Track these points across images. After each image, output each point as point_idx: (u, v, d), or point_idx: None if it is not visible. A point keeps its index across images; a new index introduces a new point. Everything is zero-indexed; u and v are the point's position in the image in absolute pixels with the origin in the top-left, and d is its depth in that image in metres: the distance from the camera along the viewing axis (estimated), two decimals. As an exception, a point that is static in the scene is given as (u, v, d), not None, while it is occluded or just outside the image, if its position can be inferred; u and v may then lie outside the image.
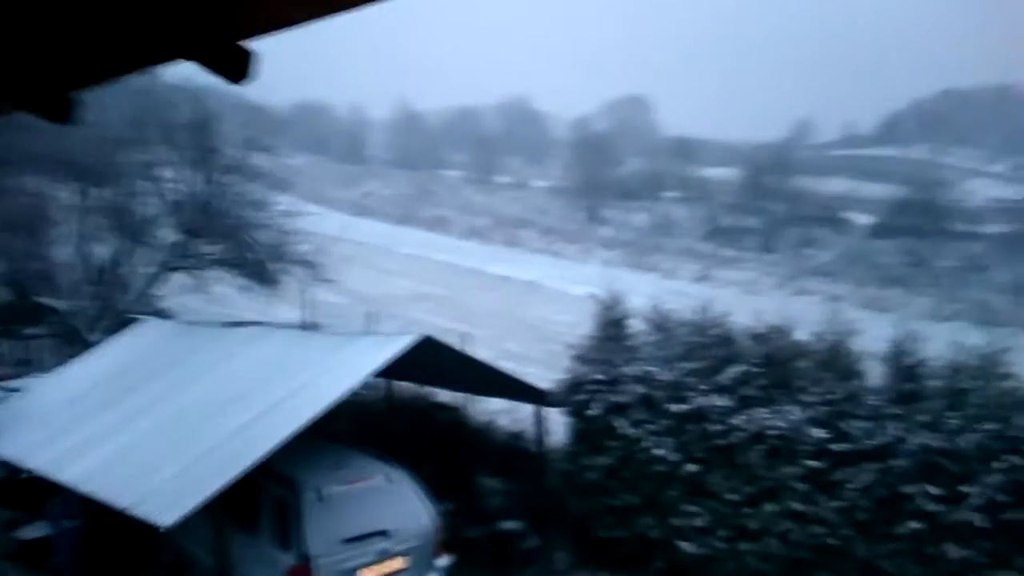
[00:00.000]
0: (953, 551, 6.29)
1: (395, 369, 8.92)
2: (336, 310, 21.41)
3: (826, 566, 6.91)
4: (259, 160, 16.64)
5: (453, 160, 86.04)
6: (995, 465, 6.25)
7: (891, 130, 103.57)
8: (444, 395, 11.60)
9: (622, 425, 8.30)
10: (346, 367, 7.61)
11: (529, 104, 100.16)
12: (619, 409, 8.39)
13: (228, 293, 17.42)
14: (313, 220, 17.47)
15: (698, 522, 7.68)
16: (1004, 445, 6.29)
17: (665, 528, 7.84)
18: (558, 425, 9.57)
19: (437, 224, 51.03)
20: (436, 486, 7.79)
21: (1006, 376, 6.67)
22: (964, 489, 6.33)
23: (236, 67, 2.10)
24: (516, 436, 10.67)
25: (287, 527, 6.69)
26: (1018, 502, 6.12)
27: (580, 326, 9.97)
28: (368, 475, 7.20)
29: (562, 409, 9.04)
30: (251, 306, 17.70)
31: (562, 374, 9.06)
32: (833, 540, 6.79)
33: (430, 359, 8.72)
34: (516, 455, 10.34)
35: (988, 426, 6.38)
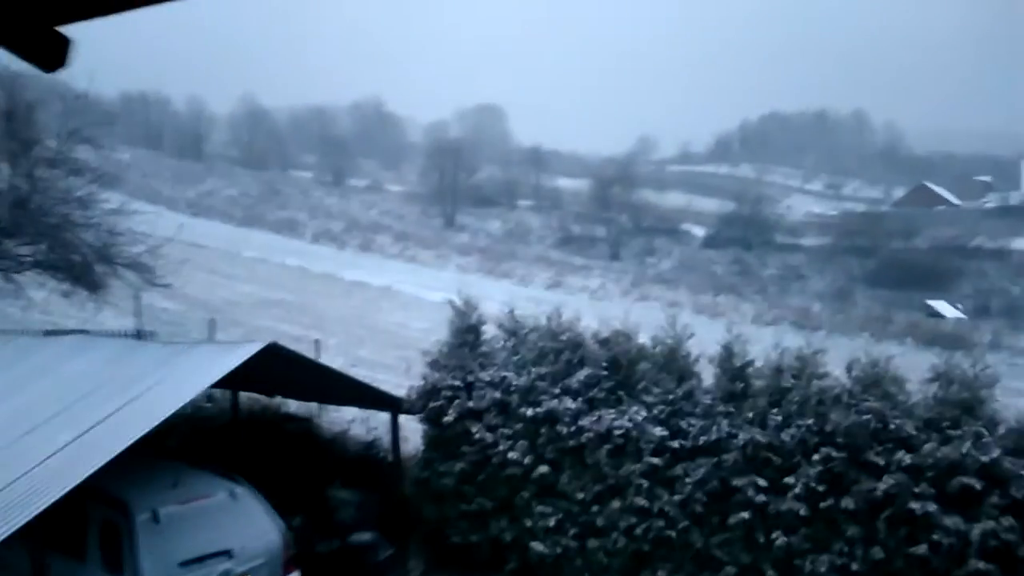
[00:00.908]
0: (779, 538, 6.84)
1: (239, 379, 8.48)
2: (172, 317, 20.04)
3: (666, 557, 7.31)
4: (84, 153, 15.17)
5: (304, 160, 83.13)
6: (814, 457, 6.87)
7: (723, 149, 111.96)
8: (294, 405, 11.17)
9: (477, 430, 8.37)
10: (182, 378, 7.13)
11: (384, 106, 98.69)
12: (474, 414, 8.46)
13: (49, 299, 15.82)
14: (146, 220, 16.20)
15: (549, 522, 7.88)
16: (821, 439, 6.94)
17: (518, 530, 7.98)
18: (413, 433, 9.49)
19: (286, 227, 49.07)
20: (284, 501, 7.48)
21: (822, 375, 7.36)
22: (787, 480, 6.92)
23: (51, 54, 1.91)
24: (370, 445, 10.47)
25: (118, 552, 6.17)
26: (834, 491, 6.76)
27: (436, 332, 9.96)
28: (208, 493, 6.78)
29: (417, 416, 8.98)
30: (76, 313, 16.17)
31: (417, 381, 9.01)
32: (672, 532, 7.20)
33: (277, 368, 8.37)
34: (370, 465, 10.15)
35: (807, 421, 7.01)
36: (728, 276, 53.66)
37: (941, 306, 44.64)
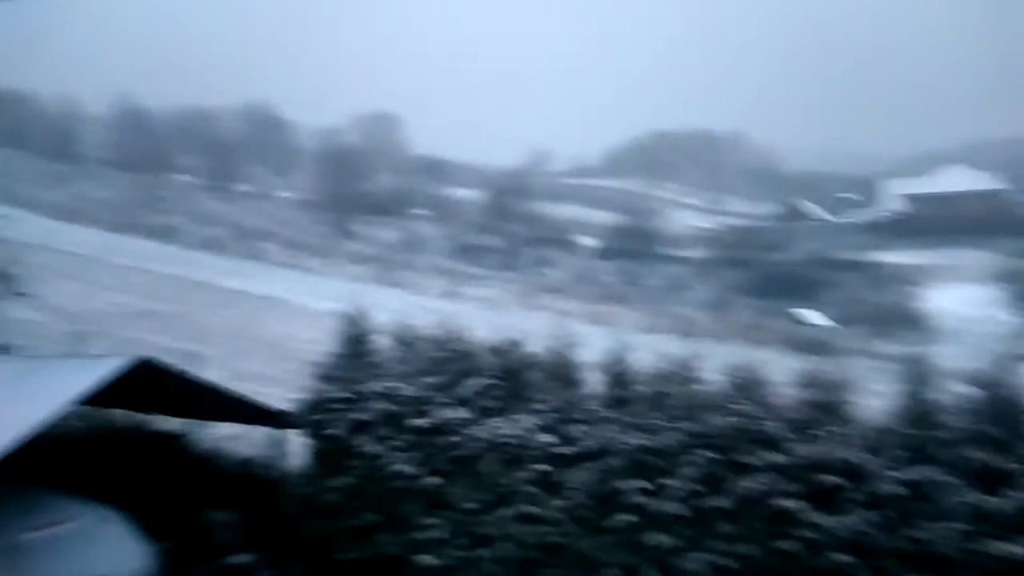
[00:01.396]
0: (660, 539, 7.09)
1: (106, 396, 7.94)
2: (33, 329, 18.52)
3: (553, 563, 7.42)
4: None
5: (185, 164, 79.00)
6: (691, 459, 7.18)
7: (614, 164, 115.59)
8: (169, 422, 10.56)
9: (364, 443, 8.22)
10: (40, 395, 6.62)
11: (273, 110, 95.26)
12: (361, 427, 8.30)
13: None
14: (4, 223, 14.98)
15: (437, 534, 7.84)
16: (698, 441, 7.26)
17: (405, 544, 7.88)
18: (298, 448, 9.19)
19: (164, 233, 46.49)
20: (155, 524, 7.06)
21: (698, 380, 7.71)
22: (667, 482, 7.19)
23: None
24: (250, 462, 10.04)
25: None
26: (710, 491, 7.08)
27: (324, 343, 9.69)
28: (66, 518, 6.31)
29: (302, 430, 8.71)
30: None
31: (303, 394, 8.74)
32: (558, 538, 7.33)
33: (149, 383, 7.90)
34: (251, 483, 9.73)
35: (685, 425, 7.32)
36: (618, 286, 55.30)
37: (810, 315, 47.82)
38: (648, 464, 7.26)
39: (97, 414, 9.97)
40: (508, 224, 62.83)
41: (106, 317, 22.00)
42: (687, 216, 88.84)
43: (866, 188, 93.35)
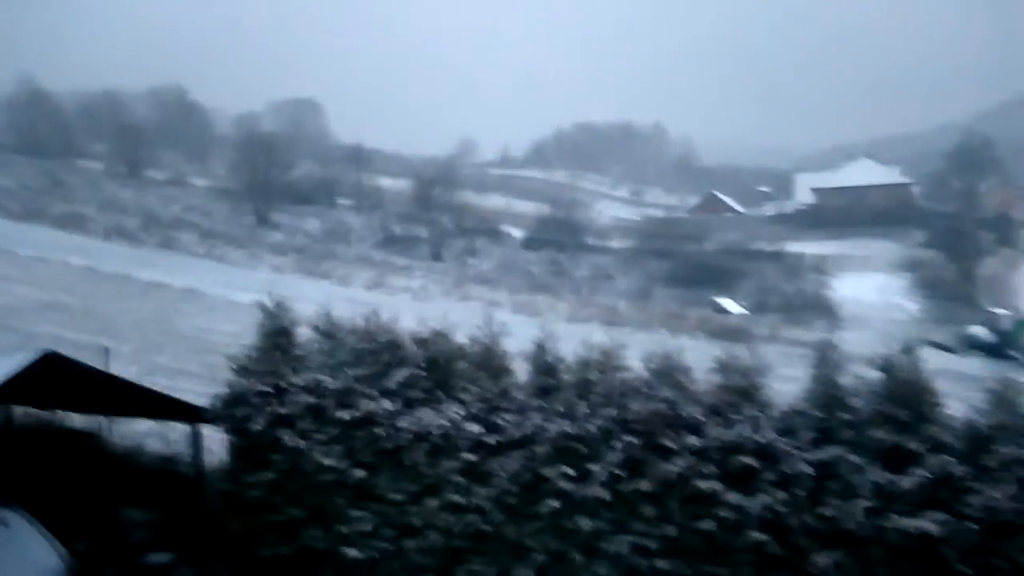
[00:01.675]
0: (585, 523, 7.24)
1: (11, 392, 7.51)
2: (-74, 324, 17.33)
3: (481, 551, 7.47)
4: None
5: (93, 149, 75.09)
6: (615, 445, 7.34)
7: (539, 155, 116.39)
8: (80, 419, 10.08)
9: (288, 437, 8.05)
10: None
11: (187, 94, 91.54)
12: (285, 421, 8.13)
13: None
14: None
15: (364, 526, 7.77)
16: (622, 427, 7.43)
17: (330, 538, 7.78)
18: (218, 444, 8.93)
19: (71, 222, 44.05)
20: (67, 524, 6.74)
21: (621, 368, 7.89)
22: (592, 467, 7.33)
23: None
24: (168, 459, 9.71)
25: None
26: (633, 475, 7.26)
27: (245, 336, 9.41)
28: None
29: (221, 426, 8.46)
30: None
31: (223, 388, 8.48)
32: (486, 526, 7.38)
33: (58, 379, 7.52)
34: (169, 480, 9.41)
35: (609, 412, 7.48)
36: (545, 276, 55.79)
37: (727, 303, 49.49)
38: (573, 451, 7.38)
39: (1, 411, 9.42)
40: (436, 214, 62.44)
41: (9, 311, 20.73)
42: (611, 207, 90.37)
43: (780, 181, 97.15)
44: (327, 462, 7.90)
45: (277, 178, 63.98)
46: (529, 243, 65.05)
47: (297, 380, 8.26)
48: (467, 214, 65.58)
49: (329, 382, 8.15)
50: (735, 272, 56.92)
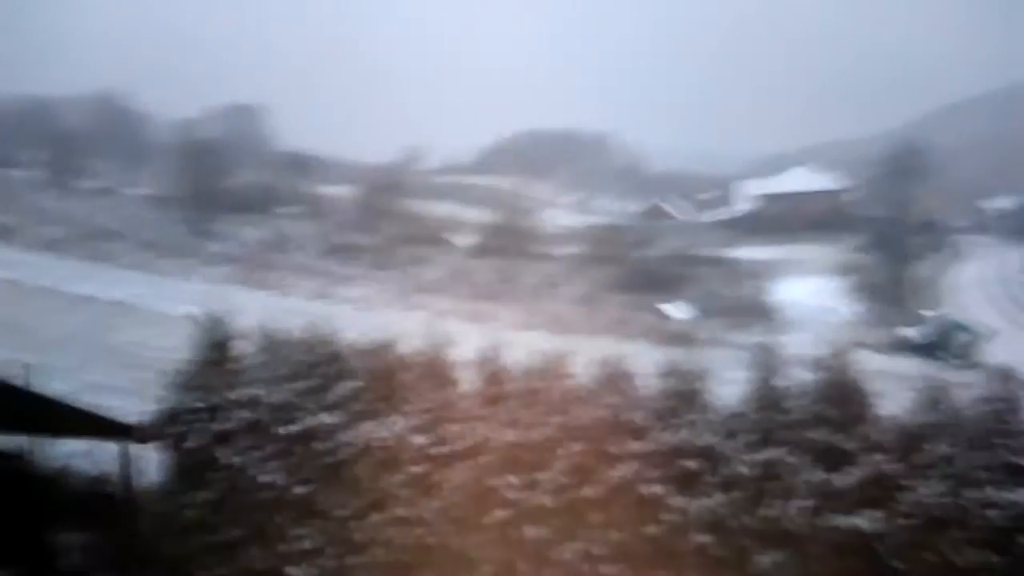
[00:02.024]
0: (533, 532, 7.20)
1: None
2: None
3: (427, 565, 7.36)
4: None
5: (17, 157, 72.08)
6: (560, 452, 7.33)
7: (485, 161, 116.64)
8: (3, 440, 9.57)
9: (226, 455, 7.82)
10: None
11: (120, 101, 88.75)
12: (221, 438, 7.89)
13: None
14: None
15: (308, 544, 7.58)
16: (569, 434, 7.43)
17: (273, 557, 7.57)
18: (152, 463, 8.60)
19: (-2, 233, 42.18)
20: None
21: (569, 376, 7.89)
22: (539, 476, 7.31)
23: None
24: (98, 480, 9.29)
25: None
26: (579, 482, 7.26)
27: (179, 350, 9.11)
28: None
29: (155, 444, 8.15)
30: None
31: (158, 405, 8.18)
32: (433, 539, 7.28)
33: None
34: (99, 502, 9.01)
35: (555, 419, 7.47)
36: (492, 284, 55.70)
37: (673, 309, 50.26)
38: (521, 459, 7.35)
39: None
40: (381, 222, 61.76)
41: (-74, 327, 19.70)
42: (559, 215, 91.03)
43: (723, 188, 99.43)
44: (267, 479, 7.70)
45: (214, 186, 62.40)
46: (476, 251, 64.97)
47: (234, 395, 8.04)
48: (414, 222, 65.13)
49: (271, 396, 7.95)
50: (680, 278, 57.85)
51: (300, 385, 7.98)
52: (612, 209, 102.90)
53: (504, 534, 7.27)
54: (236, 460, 7.78)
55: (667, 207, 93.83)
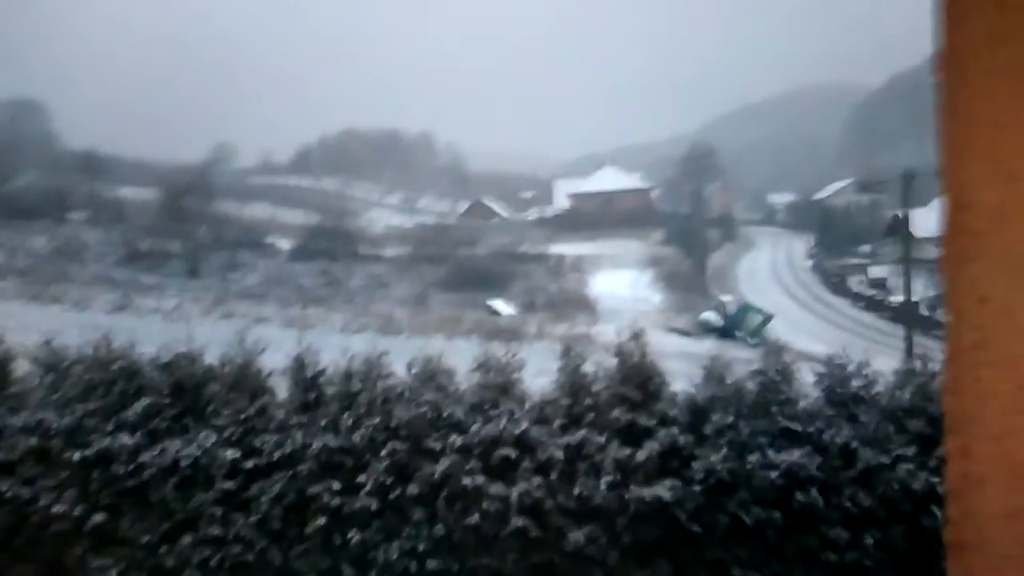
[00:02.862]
0: (355, 536, 7.14)
1: None
2: None
3: (247, 582, 7.08)
4: None
5: None
6: (381, 453, 7.33)
7: (305, 161, 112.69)
8: None
9: (8, 486, 7.06)
10: None
11: None
12: (7, 468, 7.13)
13: None
14: None
15: (112, 575, 7.03)
16: (387, 434, 7.44)
17: (68, 594, 6.93)
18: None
19: None
20: None
21: (387, 376, 7.90)
22: (359, 479, 7.26)
23: None
24: None
25: None
26: (400, 481, 7.30)
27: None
28: None
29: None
30: None
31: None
32: (250, 555, 7.00)
33: None
34: None
35: (374, 420, 7.46)
36: (316, 288, 54.16)
37: (500, 305, 51.61)
38: (339, 464, 7.26)
39: None
40: (190, 226, 57.76)
41: None
42: (383, 215, 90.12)
43: (542, 187, 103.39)
44: (58, 509, 7.03)
45: (-9, 190, 55.36)
46: (298, 254, 62.72)
47: (15, 421, 7.28)
48: (227, 225, 61.61)
49: (55, 420, 7.26)
50: (505, 275, 59.51)
51: (90, 405, 7.36)
52: (438, 208, 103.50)
53: (326, 541, 7.15)
54: (21, 492, 7.04)
55: (491, 204, 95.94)
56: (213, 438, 7.24)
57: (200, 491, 7.12)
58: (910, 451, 7.10)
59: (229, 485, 7.11)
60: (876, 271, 67.18)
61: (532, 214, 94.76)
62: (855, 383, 7.69)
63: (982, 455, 1.01)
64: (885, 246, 70.73)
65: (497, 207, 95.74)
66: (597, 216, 79.80)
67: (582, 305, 50.91)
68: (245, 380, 7.63)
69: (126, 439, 7.15)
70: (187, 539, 7.06)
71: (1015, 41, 0.93)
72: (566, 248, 68.82)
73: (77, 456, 7.13)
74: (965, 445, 1.01)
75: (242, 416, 7.44)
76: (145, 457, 7.11)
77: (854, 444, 7.29)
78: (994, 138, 0.92)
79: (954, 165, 0.95)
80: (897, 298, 48.93)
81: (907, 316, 32.67)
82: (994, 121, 0.92)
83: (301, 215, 72.57)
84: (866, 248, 78.80)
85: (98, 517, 7.11)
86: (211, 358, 8.11)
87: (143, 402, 7.37)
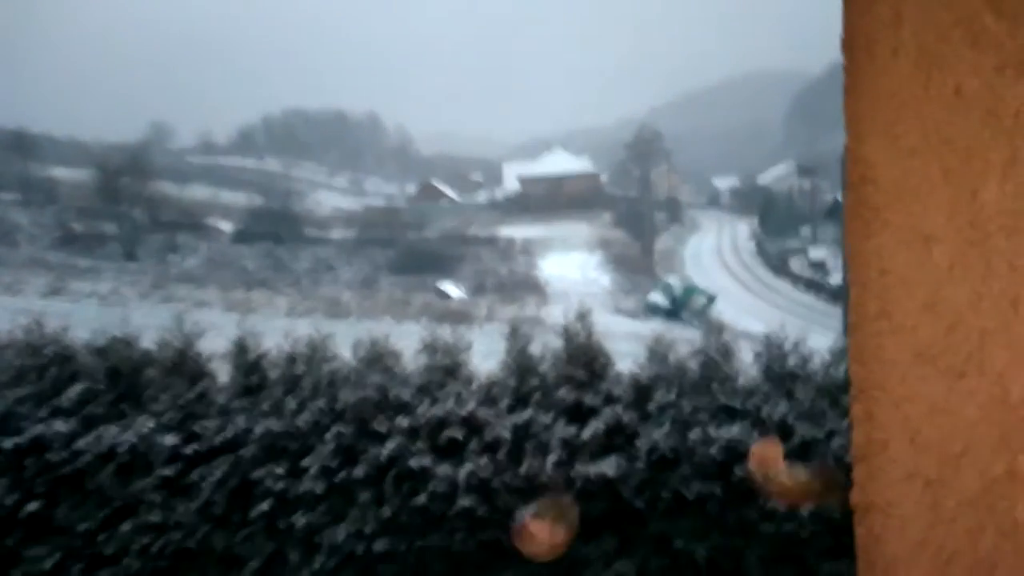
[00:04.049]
0: (300, 520, 7.09)
1: None
2: None
3: (188, 568, 6.97)
4: None
5: None
6: (326, 436, 7.28)
7: (246, 141, 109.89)
8: None
9: (-68, 479, 6.78)
10: None
11: None
12: (-73, 460, 6.82)
13: None
14: None
15: (45, 565, 6.84)
16: (332, 417, 7.38)
17: (0, 585, 6.73)
18: None
19: None
20: None
21: (331, 358, 7.82)
22: (304, 463, 7.20)
23: None
24: None
25: None
26: (346, 464, 7.27)
27: None
28: None
29: None
30: None
31: None
32: (192, 542, 6.90)
33: None
34: None
35: (319, 404, 7.39)
36: (261, 271, 53.12)
37: (449, 287, 51.47)
38: (283, 448, 7.19)
39: None
40: (126, 208, 55.86)
41: None
42: (330, 197, 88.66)
43: (491, 170, 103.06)
44: (-12, 501, 6.78)
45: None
46: (241, 236, 61.35)
47: (-63, 411, 6.96)
48: (165, 206, 59.81)
49: (-17, 408, 6.98)
50: (455, 257, 59.35)
51: (22, 391, 7.10)
52: (386, 191, 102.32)
53: (270, 526, 7.08)
54: (-55, 484, 6.76)
55: (440, 188, 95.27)
56: (151, 424, 7.07)
57: (139, 478, 6.97)
58: (843, 425, 7.38)
59: (169, 471, 6.97)
60: (816, 253, 69.13)
61: (482, 197, 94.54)
62: (792, 361, 7.93)
63: (884, 420, 1.06)
64: (825, 229, 72.83)
65: (447, 189, 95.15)
66: (546, 199, 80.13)
67: (532, 287, 51.17)
68: (184, 365, 7.47)
69: (61, 426, 6.94)
70: (127, 526, 6.91)
71: (917, 22, 0.97)
72: (516, 231, 68.98)
73: (10, 444, 6.89)
74: (869, 410, 1.06)
75: (181, 401, 7.29)
76: (81, 444, 6.91)
77: (791, 419, 7.54)
78: (895, 116, 0.96)
79: (858, 142, 0.99)
80: (835, 279, 50.57)
81: (844, 296, 33.80)
82: (895, 99, 0.96)
83: (244, 197, 70.90)
84: (807, 231, 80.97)
85: (32, 506, 6.89)
86: (149, 342, 7.93)
87: (78, 388, 7.16)
